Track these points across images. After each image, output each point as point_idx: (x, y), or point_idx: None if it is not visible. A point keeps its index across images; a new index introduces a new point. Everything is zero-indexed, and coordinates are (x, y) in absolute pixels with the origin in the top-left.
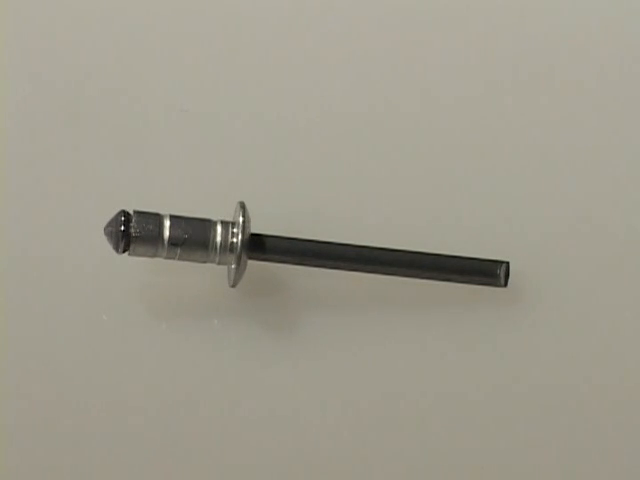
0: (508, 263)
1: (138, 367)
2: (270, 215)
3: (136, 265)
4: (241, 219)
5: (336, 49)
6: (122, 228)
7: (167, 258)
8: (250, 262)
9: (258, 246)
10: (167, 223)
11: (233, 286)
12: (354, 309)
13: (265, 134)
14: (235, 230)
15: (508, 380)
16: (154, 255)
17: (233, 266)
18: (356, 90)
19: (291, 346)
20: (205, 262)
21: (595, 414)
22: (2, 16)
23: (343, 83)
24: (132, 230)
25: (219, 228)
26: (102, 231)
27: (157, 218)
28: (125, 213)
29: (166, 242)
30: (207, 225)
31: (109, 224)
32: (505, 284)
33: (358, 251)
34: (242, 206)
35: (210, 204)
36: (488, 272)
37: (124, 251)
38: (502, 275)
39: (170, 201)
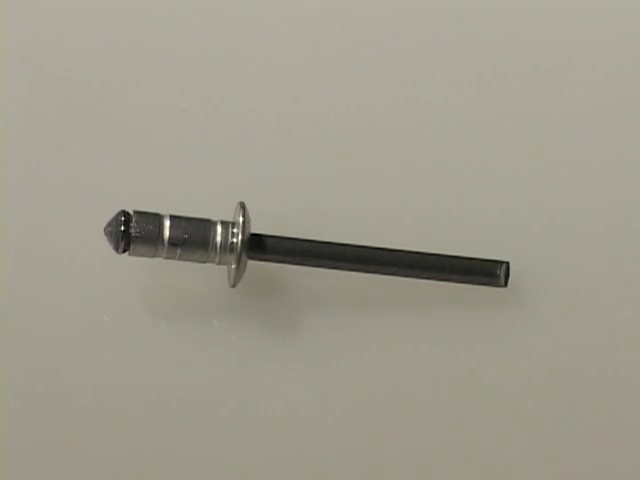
0: (508, 263)
1: (138, 367)
2: (270, 215)
3: (136, 265)
4: (241, 219)
5: (336, 50)
6: (122, 228)
7: (167, 258)
8: (250, 262)
9: (258, 246)
10: (167, 223)
11: (233, 286)
12: (354, 309)
13: (265, 134)
14: (235, 230)
15: (508, 380)
16: (154, 255)
17: (233, 266)
18: (357, 90)
19: (291, 346)
20: (205, 262)
21: (595, 413)
22: (2, 15)
23: (343, 83)
24: (132, 230)
25: (219, 228)
26: (102, 231)
27: (157, 218)
28: (125, 213)
29: (166, 242)
30: (207, 225)
31: (109, 224)
32: (505, 284)
33: (358, 251)
34: (242, 206)
35: (210, 204)
36: (488, 272)
37: (124, 251)
38: (502, 275)
39: (170, 201)
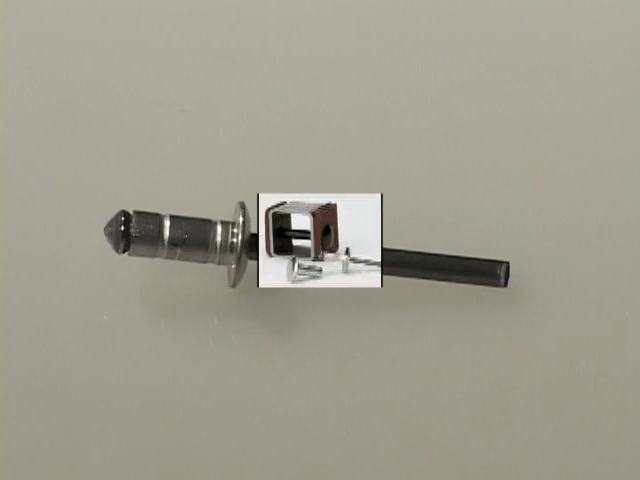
0: (508, 263)
1: (138, 367)
2: None
3: (136, 265)
4: (241, 219)
5: (336, 49)
6: (122, 228)
7: (167, 258)
8: (250, 262)
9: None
10: (167, 223)
11: (233, 286)
12: (354, 309)
13: (265, 134)
14: (235, 230)
15: (508, 380)
16: (154, 255)
17: (233, 266)
18: (357, 90)
19: (291, 346)
20: (205, 262)
21: (596, 413)
22: (2, 16)
23: (344, 83)
24: (132, 230)
25: (219, 228)
26: (102, 231)
27: (157, 218)
28: (125, 213)
29: (166, 242)
30: (207, 225)
31: (109, 224)
32: (505, 284)
33: None
34: (242, 206)
35: (210, 204)
36: (488, 272)
37: (124, 251)
38: (502, 275)
39: (170, 201)
